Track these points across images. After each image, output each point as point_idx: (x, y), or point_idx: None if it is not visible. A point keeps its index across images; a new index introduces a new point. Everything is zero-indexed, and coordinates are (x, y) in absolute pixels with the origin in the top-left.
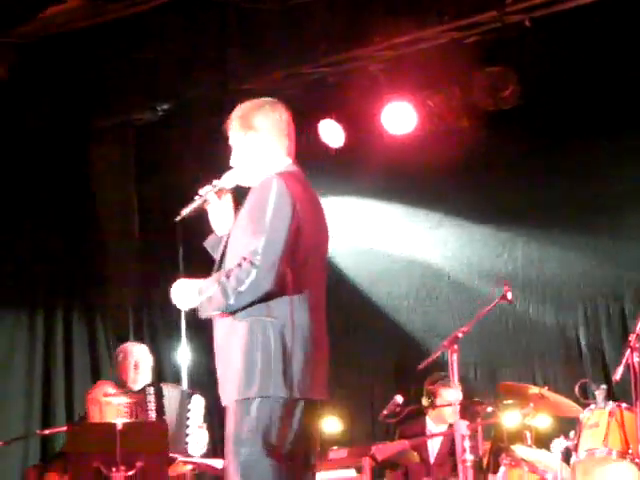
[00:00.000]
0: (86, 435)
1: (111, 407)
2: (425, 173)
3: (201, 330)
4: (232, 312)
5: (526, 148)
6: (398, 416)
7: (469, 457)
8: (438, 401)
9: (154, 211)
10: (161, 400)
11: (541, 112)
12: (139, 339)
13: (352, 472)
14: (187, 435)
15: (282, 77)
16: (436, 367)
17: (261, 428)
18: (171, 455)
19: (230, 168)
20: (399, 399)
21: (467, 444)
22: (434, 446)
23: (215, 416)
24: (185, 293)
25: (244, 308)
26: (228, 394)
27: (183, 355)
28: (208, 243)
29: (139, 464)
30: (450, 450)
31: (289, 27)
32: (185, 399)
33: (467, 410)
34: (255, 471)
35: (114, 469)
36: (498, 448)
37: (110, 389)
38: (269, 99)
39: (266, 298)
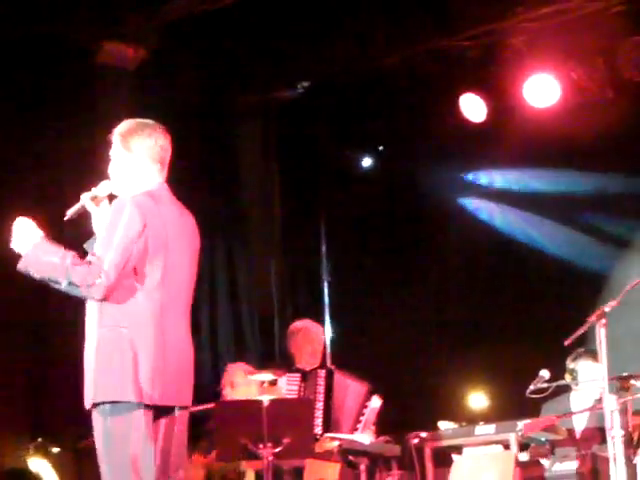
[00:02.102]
0: (233, 412)
1: (248, 388)
2: (569, 146)
3: (344, 308)
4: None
5: None
6: (544, 392)
7: (618, 432)
8: (581, 377)
9: (296, 186)
10: (331, 384)
11: None
12: (283, 316)
13: (499, 448)
14: (356, 430)
15: (423, 51)
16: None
17: (115, 433)
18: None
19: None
20: (545, 374)
21: (616, 419)
22: (580, 422)
23: None
24: (25, 235)
25: (101, 318)
26: (86, 398)
27: (326, 333)
28: (88, 244)
29: (286, 440)
30: (597, 425)
31: (430, 1)
32: (367, 395)
33: (615, 385)
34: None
35: (261, 445)
36: None
37: (241, 372)
38: (150, 123)
39: (114, 307)
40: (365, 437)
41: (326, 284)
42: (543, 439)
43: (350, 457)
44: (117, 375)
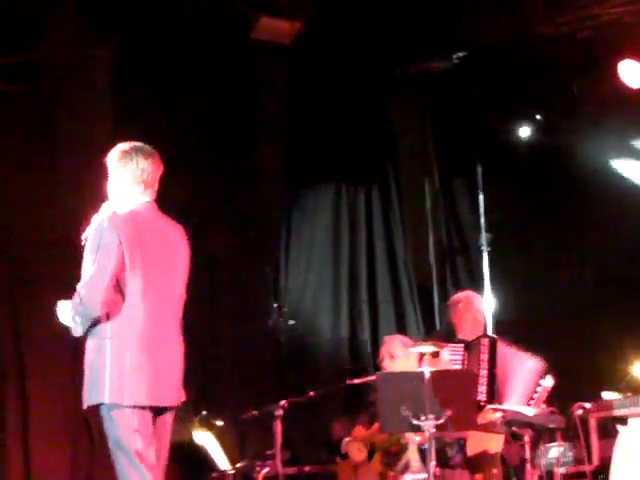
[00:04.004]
0: (394, 384)
1: (407, 360)
2: None
3: (505, 278)
4: (84, 332)
5: None
6: None
7: None
8: None
9: (453, 157)
10: (494, 353)
11: None
12: (442, 288)
13: None
14: (528, 406)
15: (577, 19)
16: None
17: (112, 434)
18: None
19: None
20: None
21: None
22: None
23: None
24: (64, 313)
25: (90, 330)
26: (84, 401)
27: (487, 303)
28: None
29: (448, 412)
30: None
31: None
32: (542, 372)
33: None
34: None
35: (423, 418)
36: None
37: (400, 344)
38: (138, 147)
39: (101, 320)
40: (529, 408)
41: (485, 254)
42: None
43: (514, 428)
44: (107, 380)
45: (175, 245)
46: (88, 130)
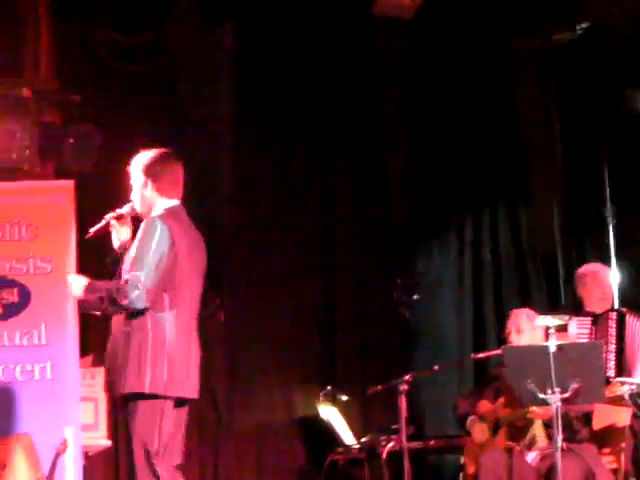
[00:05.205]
0: (520, 358)
1: (533, 334)
2: None
3: (631, 250)
4: (113, 314)
5: None
6: None
7: None
8: None
9: (577, 129)
10: (622, 327)
11: None
12: (567, 261)
13: None
14: None
15: None
16: None
17: (142, 422)
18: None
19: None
20: None
21: None
22: None
23: None
24: (76, 285)
25: (132, 322)
26: (116, 389)
27: (613, 276)
28: (109, 259)
29: (575, 385)
30: None
31: None
32: None
33: None
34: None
35: (549, 391)
36: None
37: (525, 317)
38: (167, 152)
39: (146, 314)
40: None
41: (611, 228)
42: None
43: None
44: (146, 370)
45: (200, 248)
46: (210, 112)
